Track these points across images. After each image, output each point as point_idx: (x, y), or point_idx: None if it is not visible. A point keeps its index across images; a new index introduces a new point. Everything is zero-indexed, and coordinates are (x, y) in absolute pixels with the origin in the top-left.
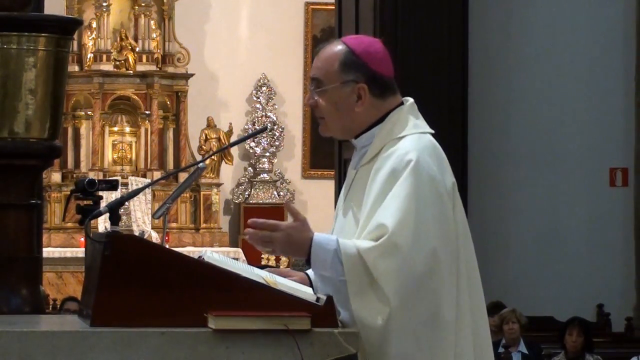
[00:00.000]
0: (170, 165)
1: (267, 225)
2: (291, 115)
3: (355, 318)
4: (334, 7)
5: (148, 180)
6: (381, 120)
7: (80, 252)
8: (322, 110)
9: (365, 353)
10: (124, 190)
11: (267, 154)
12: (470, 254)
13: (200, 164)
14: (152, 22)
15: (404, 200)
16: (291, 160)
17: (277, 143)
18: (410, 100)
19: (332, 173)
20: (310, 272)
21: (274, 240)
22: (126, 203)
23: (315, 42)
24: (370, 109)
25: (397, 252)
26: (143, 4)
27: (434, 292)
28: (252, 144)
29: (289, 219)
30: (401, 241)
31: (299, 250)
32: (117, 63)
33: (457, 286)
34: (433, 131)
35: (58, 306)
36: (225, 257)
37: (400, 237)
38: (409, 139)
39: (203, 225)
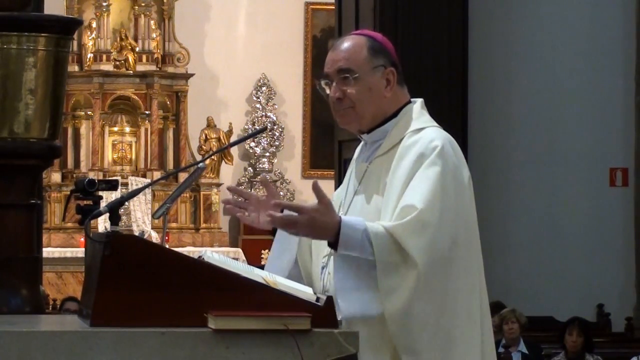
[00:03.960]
0: (170, 165)
1: (291, 207)
2: (291, 115)
3: (381, 290)
4: (334, 7)
5: (148, 180)
6: (394, 115)
7: (80, 252)
8: (353, 99)
9: (388, 324)
10: (124, 190)
11: (267, 154)
12: (479, 253)
13: (200, 164)
14: (152, 22)
15: (432, 184)
16: (291, 160)
17: (277, 143)
18: (421, 99)
19: (332, 173)
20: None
21: (298, 223)
22: (126, 203)
23: (315, 42)
24: (394, 96)
25: (425, 229)
26: (143, 4)
27: (454, 277)
28: (252, 144)
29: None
30: (429, 220)
31: (324, 233)
32: (117, 63)
33: (479, 277)
34: None
35: (58, 306)
36: (225, 257)
37: (428, 216)
38: (431, 130)
39: (203, 225)
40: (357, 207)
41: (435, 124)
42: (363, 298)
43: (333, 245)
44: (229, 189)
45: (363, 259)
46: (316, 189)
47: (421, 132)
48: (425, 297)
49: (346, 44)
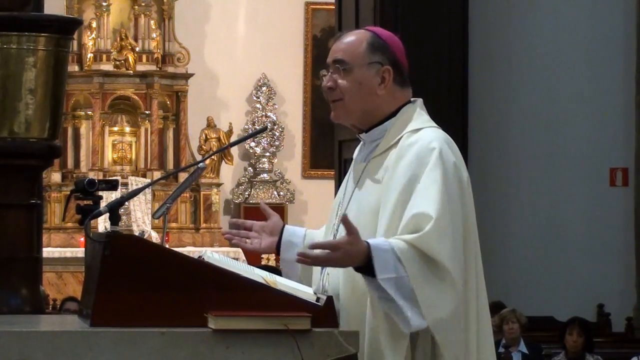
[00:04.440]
0: (170, 165)
1: (325, 246)
2: (291, 115)
3: (421, 304)
4: (334, 7)
5: (148, 180)
6: (393, 114)
7: (80, 252)
8: (342, 90)
9: (434, 335)
10: (124, 190)
11: (267, 154)
12: (478, 254)
13: (200, 164)
14: (152, 22)
15: (438, 189)
16: (291, 160)
17: (277, 143)
18: (420, 99)
19: (332, 173)
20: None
21: (332, 260)
22: (126, 203)
23: (315, 42)
24: (389, 95)
25: (444, 236)
26: (143, 4)
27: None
28: (252, 144)
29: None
30: (445, 227)
31: (355, 262)
32: (117, 63)
33: (476, 279)
34: None
35: (58, 306)
36: (225, 257)
37: (443, 223)
38: (429, 130)
39: (203, 225)
40: (354, 206)
41: (434, 124)
42: (412, 314)
43: (364, 270)
44: (230, 222)
45: (400, 278)
46: (345, 221)
47: (419, 132)
48: (459, 302)
49: (349, 37)
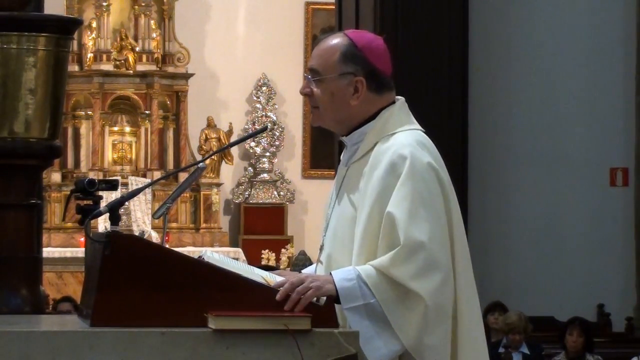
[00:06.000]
0: (170, 165)
1: (279, 284)
2: (291, 115)
3: (393, 327)
4: (334, 7)
5: (148, 180)
6: (373, 117)
7: (80, 252)
8: (317, 100)
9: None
10: (124, 190)
11: (267, 154)
12: (467, 256)
13: (200, 164)
14: (152, 22)
15: (409, 203)
16: (291, 160)
17: (277, 143)
18: (402, 98)
19: (332, 173)
20: (305, 270)
21: (306, 279)
22: (126, 203)
23: (315, 42)
24: (365, 103)
25: (415, 254)
26: (143, 4)
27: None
28: (252, 144)
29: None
30: (416, 244)
31: (328, 280)
32: (117, 63)
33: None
34: (423, 130)
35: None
36: (225, 257)
37: (415, 240)
38: (402, 135)
39: (203, 225)
40: (336, 213)
41: (412, 125)
42: (386, 339)
43: (337, 300)
44: None
45: (370, 304)
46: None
47: (393, 137)
48: (435, 321)
49: (325, 44)
